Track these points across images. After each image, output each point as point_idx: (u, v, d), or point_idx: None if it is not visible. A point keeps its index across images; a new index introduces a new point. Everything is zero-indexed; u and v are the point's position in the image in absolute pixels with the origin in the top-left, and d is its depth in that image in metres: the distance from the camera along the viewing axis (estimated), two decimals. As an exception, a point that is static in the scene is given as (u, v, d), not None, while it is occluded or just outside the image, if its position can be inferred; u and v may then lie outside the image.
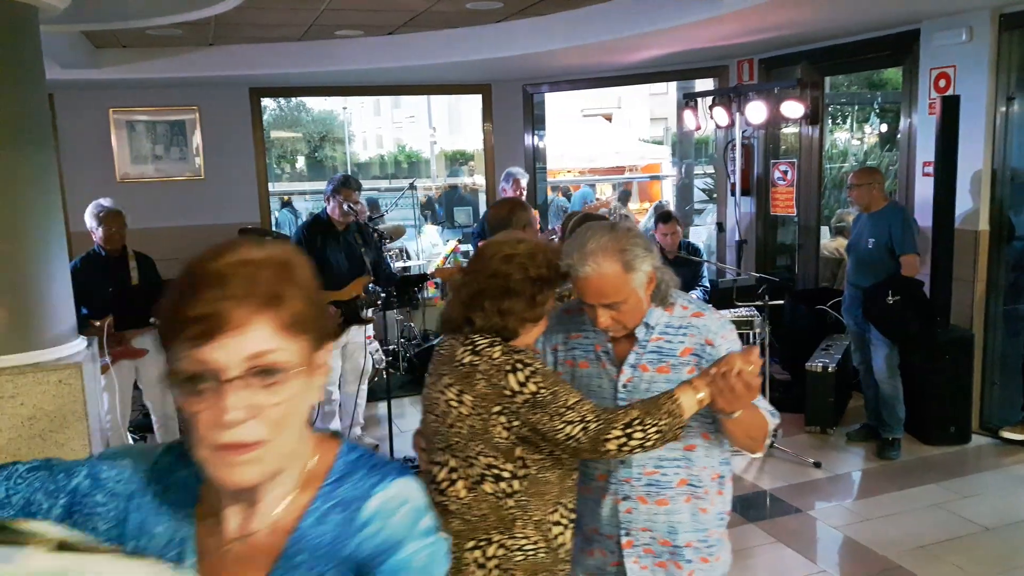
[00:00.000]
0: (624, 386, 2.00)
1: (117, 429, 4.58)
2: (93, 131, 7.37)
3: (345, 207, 4.90)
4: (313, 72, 6.84)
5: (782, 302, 5.79)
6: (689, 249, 5.58)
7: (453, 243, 8.38)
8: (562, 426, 1.78)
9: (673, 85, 14.68)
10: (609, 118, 21.15)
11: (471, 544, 1.88)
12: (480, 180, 11.54)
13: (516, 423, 1.83)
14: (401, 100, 24.36)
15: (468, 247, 7.60)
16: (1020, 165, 5.15)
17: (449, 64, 6.64)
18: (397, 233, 7.18)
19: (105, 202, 4.64)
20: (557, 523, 1.93)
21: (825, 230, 7.64)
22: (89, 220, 4.58)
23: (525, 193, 6.42)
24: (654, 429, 1.76)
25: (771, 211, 6.90)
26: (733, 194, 6.94)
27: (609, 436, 1.77)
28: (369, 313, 5.04)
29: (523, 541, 1.88)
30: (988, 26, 4.90)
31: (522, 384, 1.82)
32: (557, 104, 13.45)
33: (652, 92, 21.44)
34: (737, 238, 6.83)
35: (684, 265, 5.43)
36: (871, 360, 5.01)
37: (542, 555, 1.90)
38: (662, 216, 5.57)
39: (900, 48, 5.59)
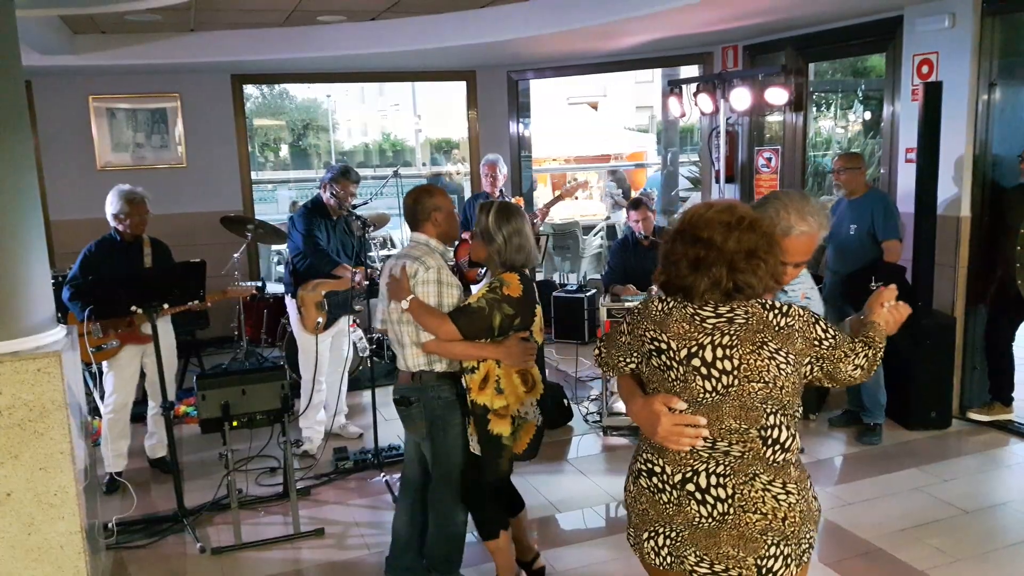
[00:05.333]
0: None
1: (120, 412, 4.56)
2: (72, 118, 7.30)
3: (330, 195, 4.88)
4: (296, 58, 6.78)
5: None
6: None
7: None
8: (852, 357, 2.07)
9: (658, 73, 14.67)
10: (595, 106, 21.11)
11: (808, 481, 2.10)
12: (464, 168, 11.50)
13: (817, 369, 2.04)
14: (386, 88, 24.19)
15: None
16: (1002, 151, 5.18)
17: (433, 50, 6.60)
18: (381, 221, 7.14)
19: (131, 188, 4.52)
20: None
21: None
22: (115, 204, 4.43)
23: (503, 179, 6.42)
24: (880, 348, 2.15)
25: (755, 198, 6.90)
26: (717, 181, 6.96)
27: (873, 359, 2.12)
28: (358, 304, 5.04)
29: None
30: (971, 12, 4.91)
31: (825, 331, 2.03)
32: (542, 92, 13.40)
33: (637, 80, 21.43)
34: (722, 225, 6.83)
35: (659, 249, 5.45)
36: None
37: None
38: (633, 203, 5.73)
39: (883, 34, 5.60)
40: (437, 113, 21.40)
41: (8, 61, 3.00)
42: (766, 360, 1.95)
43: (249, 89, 9.96)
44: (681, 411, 2.00)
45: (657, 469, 2.07)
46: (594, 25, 5.61)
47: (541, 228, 6.96)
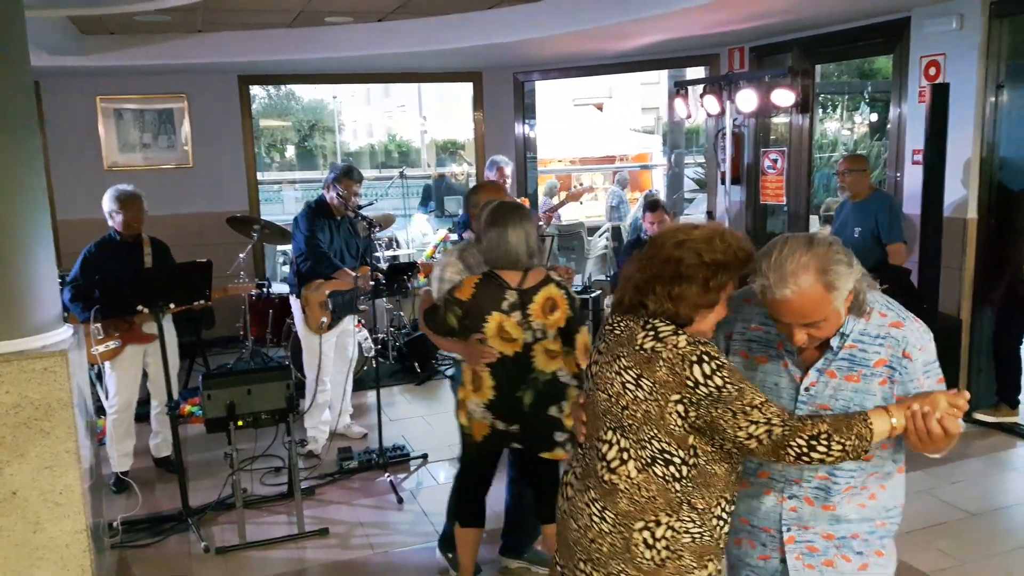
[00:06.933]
0: (807, 390, 1.91)
1: (124, 412, 4.57)
2: (80, 119, 7.32)
3: (335, 195, 4.88)
4: (302, 59, 6.79)
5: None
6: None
7: (443, 232, 8.36)
8: (746, 424, 1.75)
9: (664, 75, 14.65)
10: (600, 107, 21.11)
11: (640, 524, 1.88)
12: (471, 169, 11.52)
13: (693, 414, 1.79)
14: (392, 89, 24.22)
15: (456, 236, 7.59)
16: (1009, 153, 5.16)
17: (440, 51, 6.61)
18: (387, 222, 7.15)
19: (125, 187, 4.56)
20: (719, 517, 1.91)
21: (814, 219, 7.66)
22: (108, 204, 4.48)
23: (509, 181, 6.42)
24: (839, 448, 1.72)
25: (761, 199, 6.90)
26: (723, 183, 6.95)
27: (792, 443, 1.73)
28: (363, 304, 5.04)
29: (690, 524, 1.87)
30: (979, 14, 4.90)
31: (707, 377, 1.77)
32: (548, 93, 13.42)
33: (643, 82, 21.41)
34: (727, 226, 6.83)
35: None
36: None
37: (707, 539, 1.90)
38: (649, 205, 5.61)
39: (891, 36, 5.59)
40: (443, 114, 21.43)
41: (17, 61, 3.01)
42: (613, 374, 1.90)
43: (255, 90, 9.99)
44: (581, 404, 2.10)
45: None
46: (601, 26, 5.60)
47: (547, 231, 6.98)
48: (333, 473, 4.73)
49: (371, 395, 5.38)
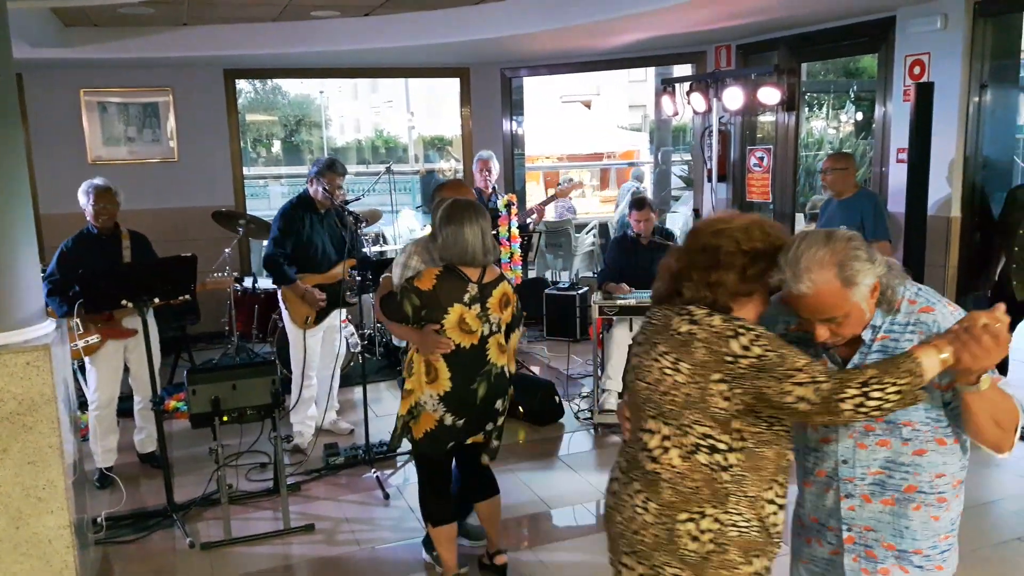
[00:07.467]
0: None
1: (106, 408, 4.54)
2: (64, 112, 7.26)
3: (322, 190, 4.85)
4: (288, 53, 6.76)
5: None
6: (663, 234, 5.59)
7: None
8: (791, 388, 1.71)
9: (651, 73, 14.70)
10: (588, 105, 21.13)
11: (684, 516, 1.86)
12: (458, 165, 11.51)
13: (738, 390, 1.77)
14: (379, 85, 24.17)
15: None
16: (992, 153, 5.21)
17: (427, 46, 6.59)
18: (373, 217, 7.13)
19: (97, 180, 4.53)
20: (771, 502, 1.88)
21: (800, 217, 7.70)
22: (80, 197, 4.47)
23: (495, 175, 6.42)
24: (893, 389, 1.66)
25: (747, 197, 6.93)
26: (710, 180, 6.97)
27: (844, 395, 1.68)
28: (351, 297, 5.02)
29: (737, 517, 1.85)
30: (963, 14, 4.94)
31: (746, 348, 1.76)
32: (536, 90, 13.42)
33: (631, 79, 21.45)
34: (714, 224, 6.85)
35: (659, 250, 5.42)
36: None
37: (755, 533, 1.87)
38: (636, 203, 5.54)
39: (876, 35, 5.62)
40: (430, 110, 21.39)
41: (-1, 52, 2.98)
42: (651, 361, 1.90)
43: (241, 84, 9.93)
44: (623, 401, 2.11)
45: None
46: (588, 23, 5.61)
47: (539, 227, 6.98)
48: (319, 469, 4.72)
49: (357, 391, 5.37)
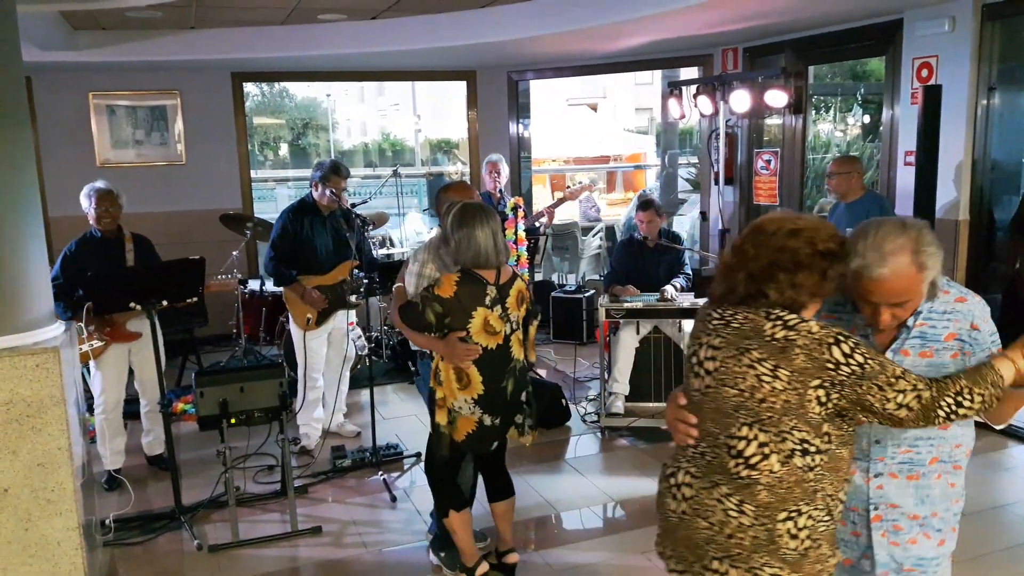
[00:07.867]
0: None
1: (112, 411, 4.55)
2: (73, 115, 7.29)
3: (329, 193, 4.86)
4: (296, 56, 6.78)
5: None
6: (670, 236, 5.58)
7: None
8: (894, 395, 1.81)
9: (658, 75, 14.69)
10: (594, 107, 21.12)
11: (783, 515, 1.88)
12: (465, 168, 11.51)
13: (836, 395, 1.81)
14: (385, 88, 24.20)
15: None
16: (1000, 156, 5.19)
17: (433, 49, 6.60)
18: (380, 220, 7.15)
19: (99, 183, 4.56)
20: (840, 500, 1.95)
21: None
22: (82, 201, 4.49)
23: (504, 178, 6.43)
24: (980, 399, 1.84)
25: (754, 200, 6.92)
26: (717, 183, 6.96)
27: (941, 403, 1.83)
28: (354, 298, 5.02)
29: (823, 512, 1.91)
30: (971, 16, 4.93)
31: (848, 356, 1.81)
32: (542, 93, 13.42)
33: (637, 82, 21.45)
34: (720, 227, 6.86)
35: (665, 252, 5.44)
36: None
37: (833, 526, 1.95)
38: (642, 204, 5.54)
39: (883, 38, 5.62)
40: (437, 113, 21.40)
41: (8, 56, 3.00)
42: (745, 367, 1.88)
43: (249, 87, 9.97)
44: (682, 406, 2.03)
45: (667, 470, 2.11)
46: (594, 26, 5.61)
47: (548, 230, 6.97)
48: (326, 471, 4.72)
49: (364, 394, 5.38)
